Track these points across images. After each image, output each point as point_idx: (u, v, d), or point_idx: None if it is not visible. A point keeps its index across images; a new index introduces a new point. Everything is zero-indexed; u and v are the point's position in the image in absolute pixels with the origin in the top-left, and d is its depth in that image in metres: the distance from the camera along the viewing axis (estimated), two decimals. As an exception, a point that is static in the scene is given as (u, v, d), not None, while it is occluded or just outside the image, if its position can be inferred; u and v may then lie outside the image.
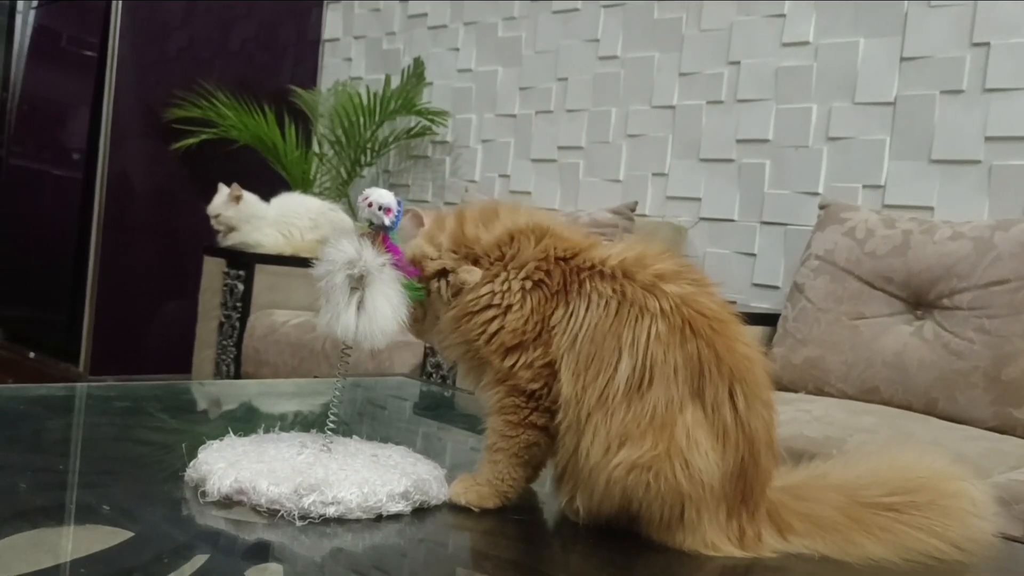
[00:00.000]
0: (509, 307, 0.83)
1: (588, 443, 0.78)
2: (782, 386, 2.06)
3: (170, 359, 3.22)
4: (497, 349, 0.83)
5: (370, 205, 0.85)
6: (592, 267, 0.83)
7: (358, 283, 0.84)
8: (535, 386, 0.82)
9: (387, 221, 0.85)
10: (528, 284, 0.83)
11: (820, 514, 0.81)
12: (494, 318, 0.83)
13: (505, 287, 0.83)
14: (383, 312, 0.84)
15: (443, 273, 0.87)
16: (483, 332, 0.84)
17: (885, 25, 2.29)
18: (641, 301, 0.80)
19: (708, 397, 0.77)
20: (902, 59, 2.26)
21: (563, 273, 0.83)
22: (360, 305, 0.84)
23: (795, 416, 1.65)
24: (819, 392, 2.00)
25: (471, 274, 0.85)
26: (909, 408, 1.86)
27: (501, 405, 0.84)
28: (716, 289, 0.83)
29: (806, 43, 2.43)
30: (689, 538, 0.78)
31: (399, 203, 0.86)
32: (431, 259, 0.87)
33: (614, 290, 0.81)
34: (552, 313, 0.82)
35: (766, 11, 2.50)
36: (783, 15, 2.47)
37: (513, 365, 0.82)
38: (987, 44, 2.12)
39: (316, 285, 0.85)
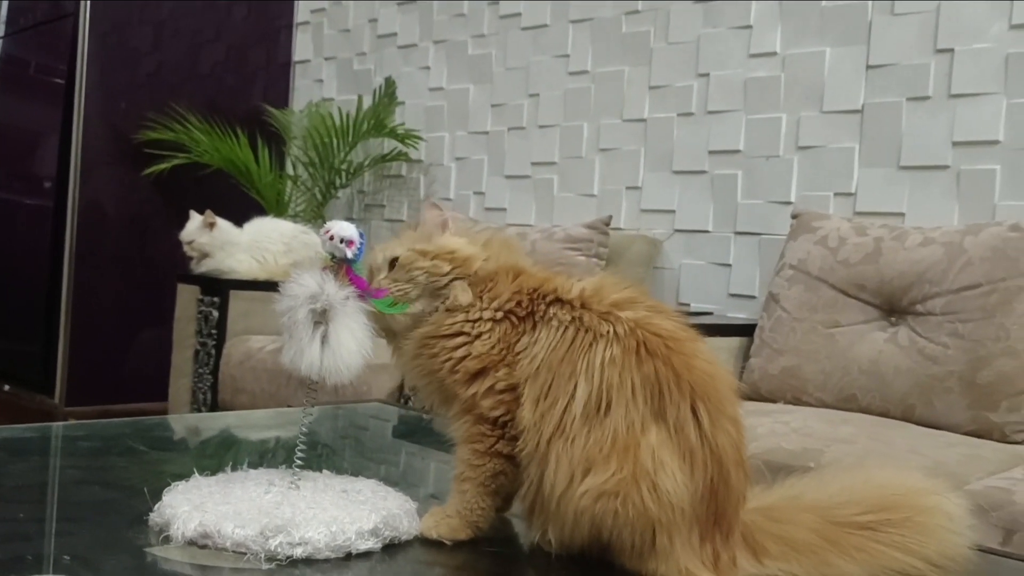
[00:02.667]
0: (479, 335, 0.83)
1: (552, 472, 0.78)
2: (760, 396, 2.06)
3: (147, 388, 3.18)
4: (461, 378, 0.83)
5: (331, 238, 0.84)
6: (555, 294, 0.84)
7: (321, 317, 0.83)
8: (497, 413, 0.82)
9: (349, 254, 0.84)
10: (499, 315, 0.83)
11: (795, 536, 0.81)
12: (462, 345, 0.83)
13: (477, 316, 0.84)
14: (348, 347, 0.83)
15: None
16: (448, 360, 0.84)
17: (850, 34, 2.30)
18: (596, 327, 0.80)
19: (670, 417, 0.77)
20: (868, 67, 2.27)
21: (531, 302, 0.84)
22: (324, 340, 0.83)
23: (773, 428, 1.65)
24: (797, 401, 2.00)
25: (465, 294, 0.85)
26: (887, 415, 1.87)
27: (468, 434, 0.84)
28: (673, 313, 0.83)
29: (773, 54, 2.44)
30: (663, 565, 0.77)
31: (361, 235, 0.85)
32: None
33: (572, 318, 0.81)
34: (518, 340, 0.83)
35: (733, 23, 2.52)
36: (750, 26, 2.48)
37: (476, 393, 0.82)
38: (951, 50, 2.14)
39: (279, 321, 0.83)
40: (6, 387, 3.69)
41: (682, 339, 0.80)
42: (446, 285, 0.86)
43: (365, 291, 0.86)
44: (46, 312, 3.46)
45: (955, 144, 2.13)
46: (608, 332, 0.79)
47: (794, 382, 2.01)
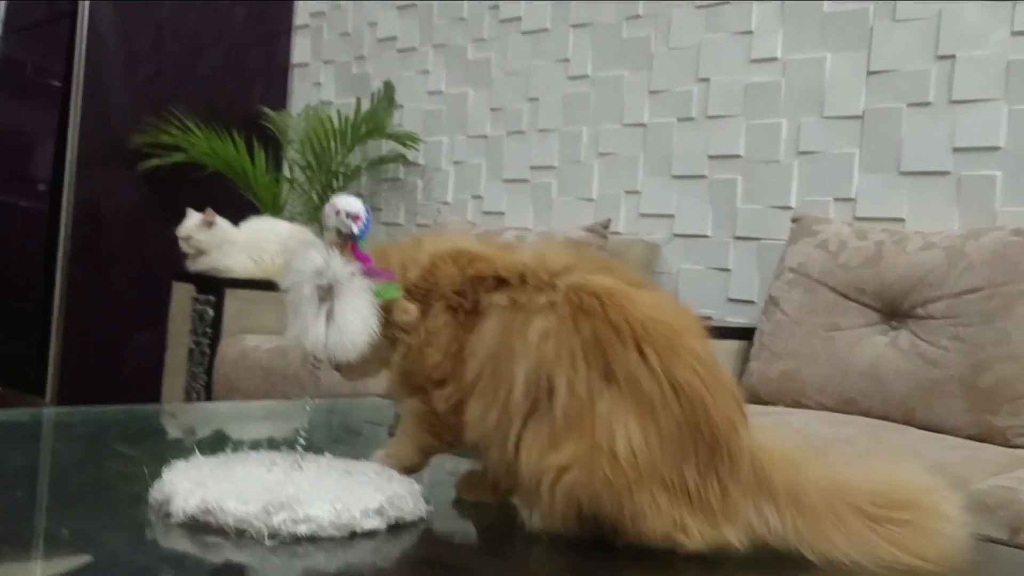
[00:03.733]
0: (437, 339, 0.83)
1: (514, 460, 0.77)
2: (759, 399, 2.05)
3: (139, 390, 3.16)
4: (429, 378, 0.84)
5: (338, 213, 0.83)
6: (497, 277, 0.82)
7: (327, 294, 0.81)
8: (452, 420, 0.83)
9: (355, 229, 0.83)
10: (447, 315, 0.83)
11: (804, 491, 0.77)
12: (424, 351, 0.84)
13: (437, 320, 0.83)
14: (353, 324, 0.82)
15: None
16: (422, 365, 0.84)
17: (851, 40, 2.31)
18: (531, 303, 0.78)
19: (619, 372, 0.74)
20: (869, 73, 2.28)
21: (474, 291, 0.82)
22: (329, 316, 0.81)
23: (774, 428, 1.64)
24: (796, 404, 1.99)
25: (407, 313, 0.83)
26: (887, 418, 1.86)
27: (418, 411, 0.86)
28: (622, 268, 0.81)
29: (774, 59, 2.44)
30: (651, 522, 0.73)
31: (368, 211, 0.84)
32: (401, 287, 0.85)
33: (511, 300, 0.80)
34: (468, 336, 0.82)
35: (734, 28, 2.52)
36: (751, 32, 2.49)
37: (437, 395, 0.84)
38: (952, 56, 2.14)
39: (283, 296, 0.82)
40: (-3, 388, 3.66)
41: (617, 292, 0.76)
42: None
43: (370, 269, 0.85)
44: (39, 314, 3.44)
45: (955, 150, 2.14)
46: (544, 304, 0.77)
47: (793, 385, 2.00)
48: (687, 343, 0.75)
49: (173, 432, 1.24)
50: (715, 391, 0.74)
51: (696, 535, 0.73)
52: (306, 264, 0.82)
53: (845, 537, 0.77)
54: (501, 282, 0.81)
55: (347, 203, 0.83)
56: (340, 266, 0.82)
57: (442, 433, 0.85)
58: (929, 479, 0.83)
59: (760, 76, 2.47)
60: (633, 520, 0.74)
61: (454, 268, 0.84)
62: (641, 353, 0.73)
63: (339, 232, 0.84)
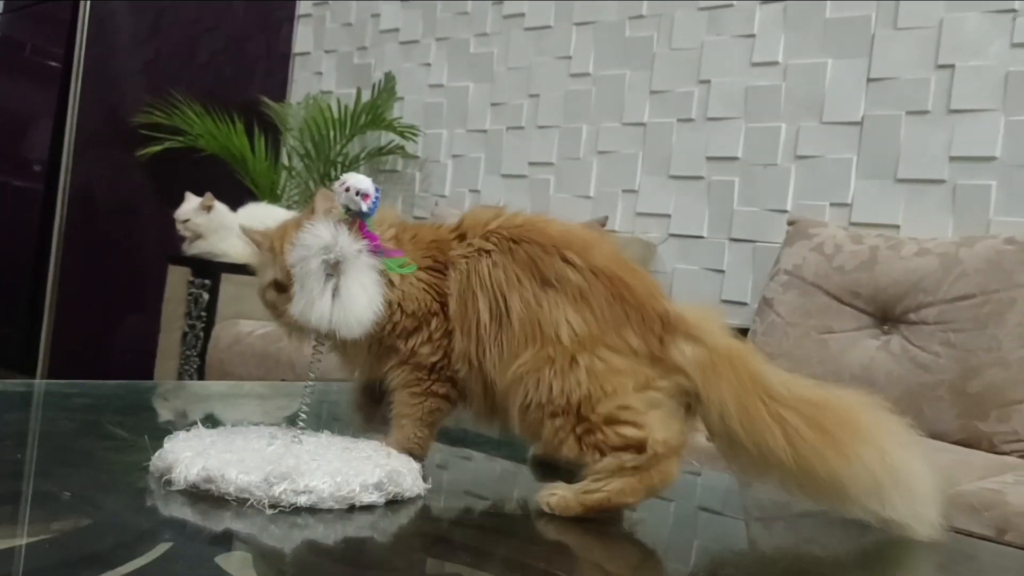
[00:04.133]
0: (413, 295, 0.88)
1: (491, 383, 0.85)
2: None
3: (131, 373, 3.15)
4: (400, 333, 0.88)
5: (347, 190, 0.83)
6: (458, 233, 0.90)
7: (333, 269, 0.82)
8: (435, 359, 0.88)
9: (364, 207, 0.84)
10: (422, 275, 0.88)
11: (710, 337, 0.83)
12: (397, 311, 0.88)
13: (409, 278, 0.88)
14: (359, 301, 0.82)
15: None
16: (387, 323, 0.87)
17: (853, 47, 2.32)
18: (480, 245, 0.88)
19: (551, 276, 0.84)
20: (869, 80, 2.29)
21: (442, 252, 0.90)
22: (335, 292, 0.82)
23: (765, 427, 1.65)
24: (788, 406, 2.00)
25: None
26: (877, 422, 1.87)
27: (405, 381, 0.90)
28: (536, 215, 0.91)
29: (775, 63, 2.46)
30: (622, 380, 0.81)
31: (377, 189, 0.85)
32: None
33: (467, 248, 0.88)
34: (444, 284, 0.89)
35: (736, 31, 2.54)
36: (753, 35, 2.50)
37: (414, 345, 0.88)
38: (952, 66, 2.16)
39: (291, 270, 0.83)
40: (-14, 367, 3.64)
41: (534, 221, 0.89)
42: None
43: (378, 247, 0.85)
44: (31, 295, 3.43)
45: (952, 159, 2.15)
46: (487, 247, 0.87)
47: (785, 386, 2.02)
48: (597, 245, 0.88)
49: (171, 406, 1.24)
50: (629, 272, 0.86)
51: (663, 384, 0.82)
52: (314, 239, 0.82)
53: (731, 391, 0.81)
54: (460, 238, 0.90)
55: (357, 181, 0.84)
56: (348, 243, 0.83)
57: (433, 385, 0.89)
58: (910, 440, 0.84)
59: (761, 79, 2.48)
60: (594, 387, 0.80)
61: (411, 239, 0.91)
62: (564, 258, 0.85)
63: (348, 209, 0.84)
